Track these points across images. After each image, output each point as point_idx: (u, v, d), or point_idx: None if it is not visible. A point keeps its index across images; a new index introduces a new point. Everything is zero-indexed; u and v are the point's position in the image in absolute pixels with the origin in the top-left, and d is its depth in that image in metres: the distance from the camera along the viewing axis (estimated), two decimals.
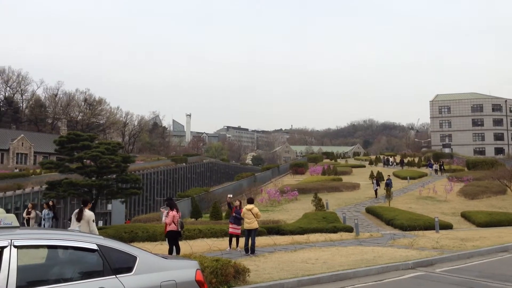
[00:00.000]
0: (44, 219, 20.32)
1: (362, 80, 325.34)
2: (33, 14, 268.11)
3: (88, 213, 10.90)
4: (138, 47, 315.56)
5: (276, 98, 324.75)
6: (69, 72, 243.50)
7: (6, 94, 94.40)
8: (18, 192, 44.34)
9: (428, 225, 23.98)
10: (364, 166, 66.66)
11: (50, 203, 21.33)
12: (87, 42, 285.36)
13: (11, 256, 4.30)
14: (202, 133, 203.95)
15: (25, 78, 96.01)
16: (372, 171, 50.39)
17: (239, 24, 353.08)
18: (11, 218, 5.00)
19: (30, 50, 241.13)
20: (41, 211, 20.88)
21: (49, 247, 4.92)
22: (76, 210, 11.11)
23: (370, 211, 31.36)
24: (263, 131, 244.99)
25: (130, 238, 18.41)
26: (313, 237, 19.66)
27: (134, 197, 45.10)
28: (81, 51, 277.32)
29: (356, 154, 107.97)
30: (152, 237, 19.01)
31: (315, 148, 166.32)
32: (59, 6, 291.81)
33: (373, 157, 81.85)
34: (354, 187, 44.66)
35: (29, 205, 20.60)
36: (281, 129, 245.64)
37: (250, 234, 14.76)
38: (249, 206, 15.18)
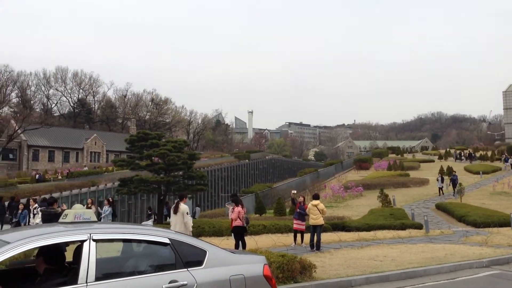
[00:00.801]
0: (103, 215, 21.29)
1: (429, 71, 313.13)
2: (102, 19, 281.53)
3: (183, 207, 11.87)
4: (198, 47, 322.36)
5: (339, 92, 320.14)
6: (137, 73, 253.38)
7: (80, 96, 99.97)
8: (93, 188, 46.81)
9: (503, 222, 22.70)
10: (433, 161, 64.09)
11: (110, 199, 22.25)
12: (152, 44, 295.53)
13: (90, 249, 4.53)
14: (264, 130, 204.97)
15: (97, 80, 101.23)
16: (441, 166, 48.34)
17: (300, 20, 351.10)
18: (89, 213, 5.27)
19: (101, 54, 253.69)
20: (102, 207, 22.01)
21: (124, 240, 5.14)
22: (174, 205, 12.09)
23: (440, 207, 30.16)
24: (325, 127, 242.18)
25: (197, 233, 18.84)
26: (380, 234, 19.20)
27: (200, 193, 46.20)
28: (147, 53, 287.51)
29: (424, 148, 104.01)
30: (218, 232, 19.39)
31: (380, 143, 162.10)
32: (126, 11, 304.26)
33: (442, 151, 78.49)
34: (423, 182, 43.10)
35: (89, 201, 21.57)
36: (343, 124, 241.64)
37: (315, 230, 14.69)
38: (315, 202, 15.11)
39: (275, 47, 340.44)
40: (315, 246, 14.45)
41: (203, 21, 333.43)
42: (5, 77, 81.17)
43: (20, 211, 18.93)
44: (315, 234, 14.64)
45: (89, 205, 20.89)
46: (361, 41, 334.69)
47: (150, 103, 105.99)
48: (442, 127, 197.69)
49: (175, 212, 11.85)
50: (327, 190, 41.51)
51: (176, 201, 12.30)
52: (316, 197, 15.75)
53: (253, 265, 5.49)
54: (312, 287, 9.10)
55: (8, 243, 4.30)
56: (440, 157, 67.93)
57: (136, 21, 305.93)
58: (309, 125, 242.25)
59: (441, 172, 43.23)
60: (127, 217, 46.74)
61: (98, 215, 21.13)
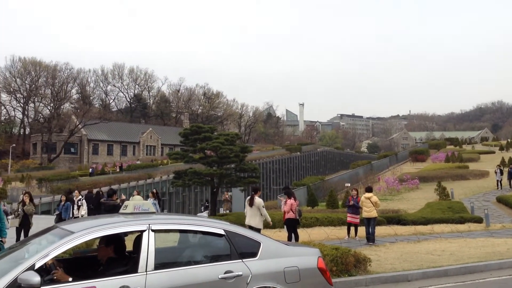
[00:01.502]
0: None
1: (488, 59, 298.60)
2: (158, 15, 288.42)
3: (258, 200, 12.14)
4: (250, 40, 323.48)
5: (393, 82, 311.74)
6: (189, 68, 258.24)
7: (135, 92, 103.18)
8: (149, 181, 48.31)
9: None
10: (493, 152, 61.24)
11: (154, 191, 22.42)
12: (205, 39, 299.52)
13: (149, 239, 4.69)
14: (315, 122, 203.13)
15: (151, 76, 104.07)
16: (503, 157, 46.06)
17: (352, 9, 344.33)
18: (148, 205, 5.44)
19: (156, 49, 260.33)
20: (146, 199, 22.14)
21: (181, 231, 5.29)
22: (248, 197, 12.44)
23: (501, 200, 28.78)
24: (378, 118, 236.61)
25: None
26: (438, 227, 18.61)
27: (251, 185, 46.58)
28: (199, 47, 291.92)
29: (484, 139, 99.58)
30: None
31: (437, 134, 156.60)
32: (178, 6, 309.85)
33: (503, 142, 74.84)
34: (483, 174, 41.31)
35: (135, 192, 21.90)
36: (398, 115, 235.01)
37: (369, 222, 14.53)
38: (368, 195, 14.93)
39: (327, 38, 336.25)
40: (370, 239, 14.26)
41: (253, 17, 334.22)
42: (65, 74, 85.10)
43: (62, 203, 17.38)
44: (370, 226, 14.49)
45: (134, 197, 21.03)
46: (417, 28, 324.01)
47: (202, 97, 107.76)
48: (503, 117, 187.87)
49: (251, 205, 12.06)
50: (381, 183, 40.66)
51: (251, 193, 12.50)
52: (369, 189, 15.56)
53: (307, 257, 5.50)
54: (367, 280, 8.98)
55: (72, 233, 4.52)
56: (501, 148, 64.82)
57: (187, 16, 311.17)
58: (361, 117, 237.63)
59: (502, 163, 41.17)
60: (181, 209, 47.92)
61: None
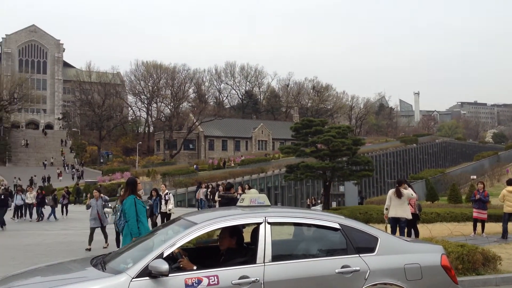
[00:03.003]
0: None
1: None
2: (262, 15, 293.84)
3: (406, 191, 12.21)
4: (357, 31, 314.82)
5: None
6: (298, 62, 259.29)
7: (247, 88, 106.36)
8: (262, 175, 49.53)
9: None
10: None
11: (246, 186, 22.10)
12: (313, 30, 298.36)
13: (266, 231, 4.78)
14: (433, 111, 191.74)
15: (261, 72, 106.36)
16: None
17: None
18: (263, 198, 5.56)
19: (264, 46, 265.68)
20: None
21: (296, 224, 5.32)
22: (393, 189, 12.43)
23: None
24: (504, 105, 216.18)
25: (364, 219, 18.57)
26: None
27: (365, 179, 45.52)
28: (307, 40, 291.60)
29: None
30: None
31: None
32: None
33: None
34: None
35: (221, 186, 21.90)
36: None
37: (510, 218, 13.49)
38: (510, 188, 13.76)
39: (444, 20, 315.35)
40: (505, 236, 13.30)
41: (361, 5, 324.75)
42: (183, 75, 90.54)
43: (154, 198, 17.33)
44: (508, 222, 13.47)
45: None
46: None
47: (311, 90, 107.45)
48: None
49: (399, 196, 12.09)
50: (509, 175, 37.20)
51: (396, 186, 12.48)
52: (510, 182, 14.29)
53: (429, 254, 5.25)
54: (497, 280, 8.29)
55: (196, 224, 4.78)
56: None
57: (294, 10, 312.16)
58: (485, 104, 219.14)
59: None
60: (294, 202, 48.42)
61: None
